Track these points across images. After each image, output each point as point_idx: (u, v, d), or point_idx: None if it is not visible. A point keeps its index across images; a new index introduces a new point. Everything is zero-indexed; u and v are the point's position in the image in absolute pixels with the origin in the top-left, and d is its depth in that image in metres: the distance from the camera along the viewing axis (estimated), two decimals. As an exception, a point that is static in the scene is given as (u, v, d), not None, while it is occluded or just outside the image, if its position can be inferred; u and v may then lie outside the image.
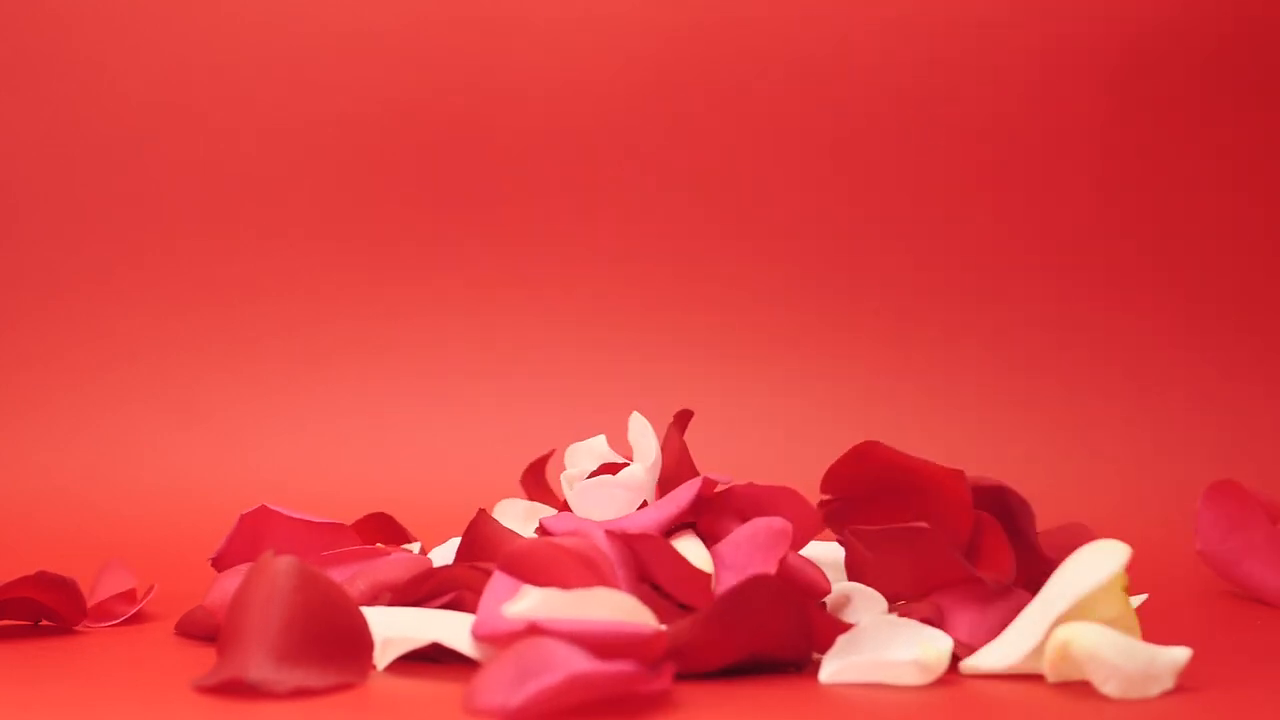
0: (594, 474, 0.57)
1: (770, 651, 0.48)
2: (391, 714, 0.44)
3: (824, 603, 0.53)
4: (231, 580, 0.53)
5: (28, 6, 0.91)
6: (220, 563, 0.56)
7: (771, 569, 0.49)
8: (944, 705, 0.46)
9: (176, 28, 0.91)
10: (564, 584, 0.48)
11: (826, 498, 0.54)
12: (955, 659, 0.49)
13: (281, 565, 0.46)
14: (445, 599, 0.51)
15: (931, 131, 0.89)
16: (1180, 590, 0.66)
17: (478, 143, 0.91)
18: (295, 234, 0.91)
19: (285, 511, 0.56)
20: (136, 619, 0.58)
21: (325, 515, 0.58)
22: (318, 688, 0.45)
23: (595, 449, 0.59)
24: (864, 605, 0.52)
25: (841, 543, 0.53)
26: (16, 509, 0.82)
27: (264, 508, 0.56)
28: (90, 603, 0.56)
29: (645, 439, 0.56)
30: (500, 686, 0.43)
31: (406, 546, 0.61)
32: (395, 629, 0.48)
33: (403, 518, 0.63)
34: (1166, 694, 0.46)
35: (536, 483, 0.66)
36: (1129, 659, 0.45)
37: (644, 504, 0.55)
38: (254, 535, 0.56)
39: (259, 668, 0.45)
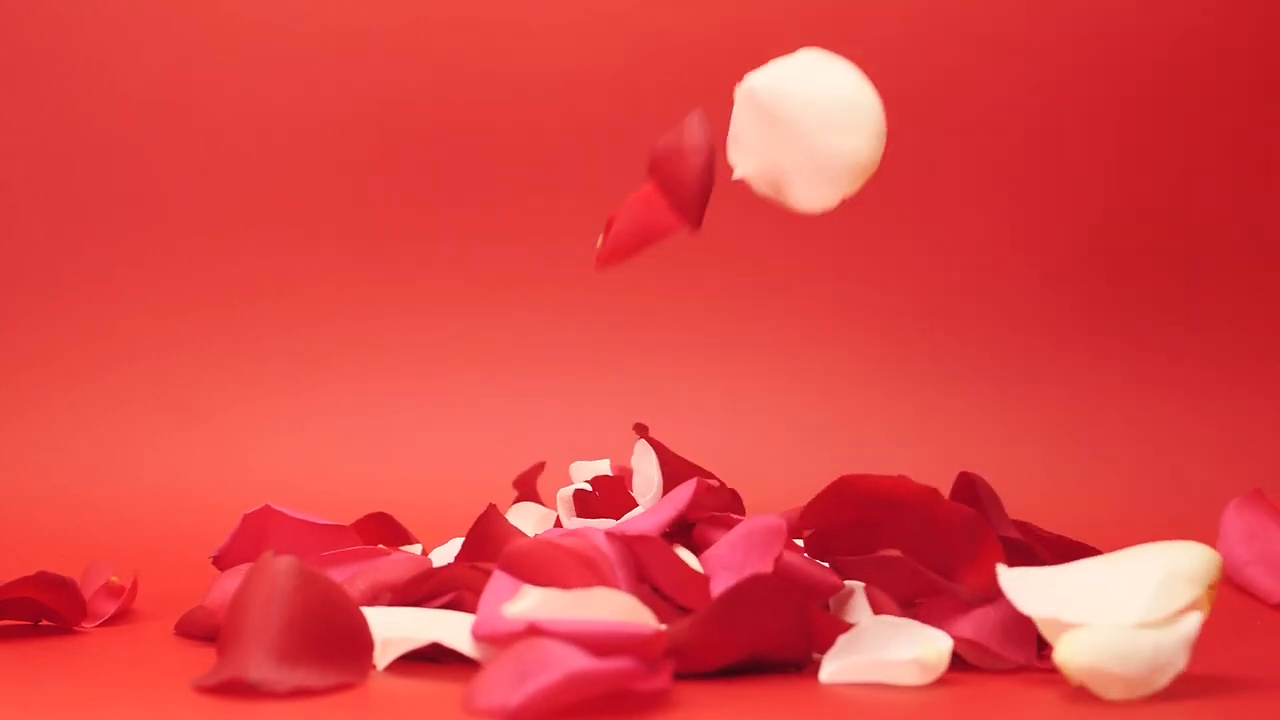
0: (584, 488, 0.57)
1: (770, 651, 0.48)
2: (391, 714, 0.44)
3: (826, 603, 0.53)
4: (231, 580, 0.53)
5: (28, 6, 0.91)
6: (222, 562, 0.56)
7: (768, 568, 0.49)
8: (944, 705, 0.46)
9: (176, 28, 0.91)
10: (564, 584, 0.48)
11: (809, 532, 0.54)
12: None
13: (281, 565, 0.46)
14: (445, 599, 0.51)
15: (931, 132, 0.89)
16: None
17: (478, 142, 0.91)
18: (295, 234, 0.91)
19: (288, 512, 0.56)
20: (134, 618, 0.58)
21: (325, 515, 0.58)
22: (318, 688, 0.45)
23: (599, 470, 0.59)
24: (864, 605, 0.52)
25: None
26: (16, 509, 0.82)
27: (267, 507, 0.56)
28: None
29: (647, 464, 0.56)
30: (500, 686, 0.43)
31: (407, 547, 0.61)
32: (395, 629, 0.48)
33: (403, 518, 0.63)
34: (1167, 696, 0.46)
35: (528, 495, 0.66)
36: (1127, 662, 0.45)
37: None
38: (256, 535, 0.56)
39: (259, 668, 0.45)
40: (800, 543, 0.53)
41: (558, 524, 0.60)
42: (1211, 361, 0.86)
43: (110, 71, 0.91)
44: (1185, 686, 0.46)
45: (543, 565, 0.48)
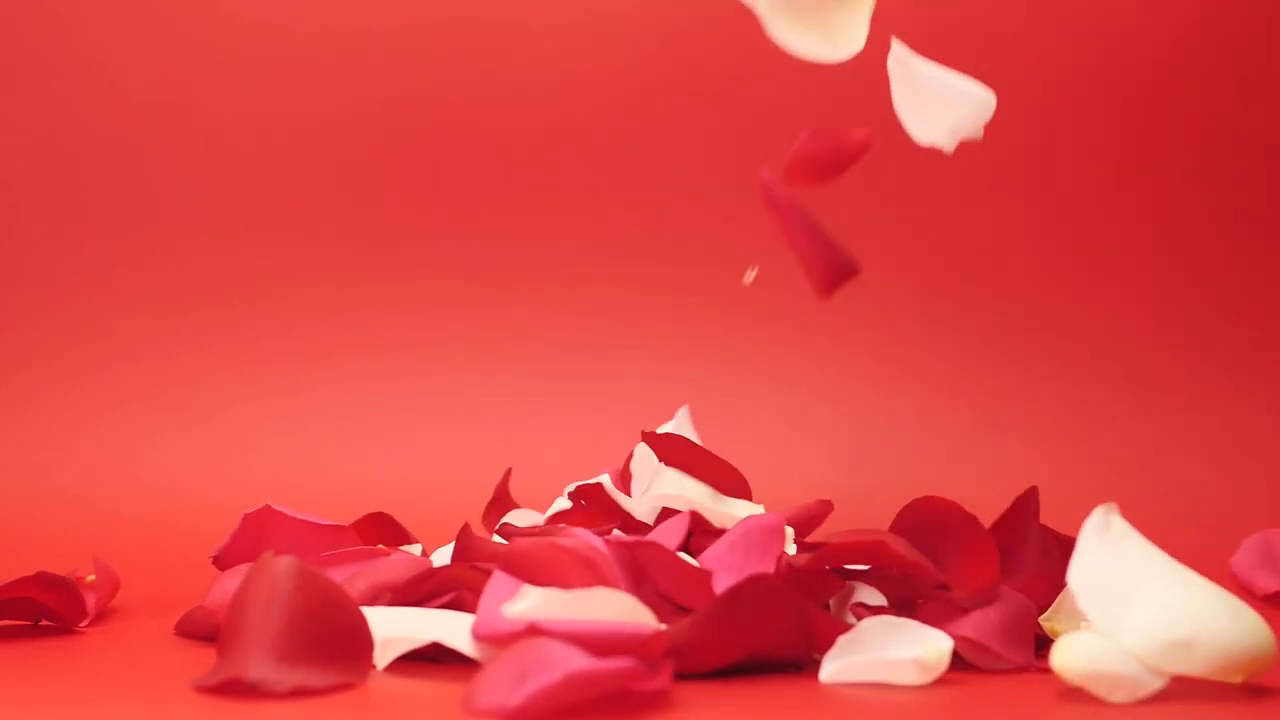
0: (571, 494, 0.57)
1: (770, 651, 0.48)
2: (391, 714, 0.44)
3: (826, 603, 0.53)
4: (231, 580, 0.53)
5: (28, 6, 0.91)
6: (222, 562, 0.56)
7: (769, 568, 0.49)
8: (944, 705, 0.46)
9: (176, 28, 0.91)
10: (564, 584, 0.48)
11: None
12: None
13: (281, 565, 0.46)
14: (445, 599, 0.51)
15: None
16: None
17: (478, 142, 0.91)
18: (295, 234, 0.91)
19: (288, 512, 0.56)
20: (134, 618, 0.58)
21: (325, 515, 0.58)
22: (318, 688, 0.45)
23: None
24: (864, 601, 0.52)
25: None
26: (16, 509, 0.82)
27: (267, 507, 0.56)
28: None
29: (647, 470, 0.56)
30: (500, 686, 0.43)
31: (407, 547, 0.61)
32: (395, 629, 0.48)
33: (403, 518, 0.63)
34: (1167, 696, 0.46)
35: (505, 503, 0.66)
36: (1125, 664, 0.45)
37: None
38: (257, 535, 0.56)
39: (259, 668, 0.45)
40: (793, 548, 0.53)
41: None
42: (1212, 360, 0.86)
43: (110, 71, 0.91)
44: (1185, 686, 0.46)
45: (543, 565, 0.48)
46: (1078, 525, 0.59)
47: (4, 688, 0.46)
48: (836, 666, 0.48)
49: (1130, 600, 0.45)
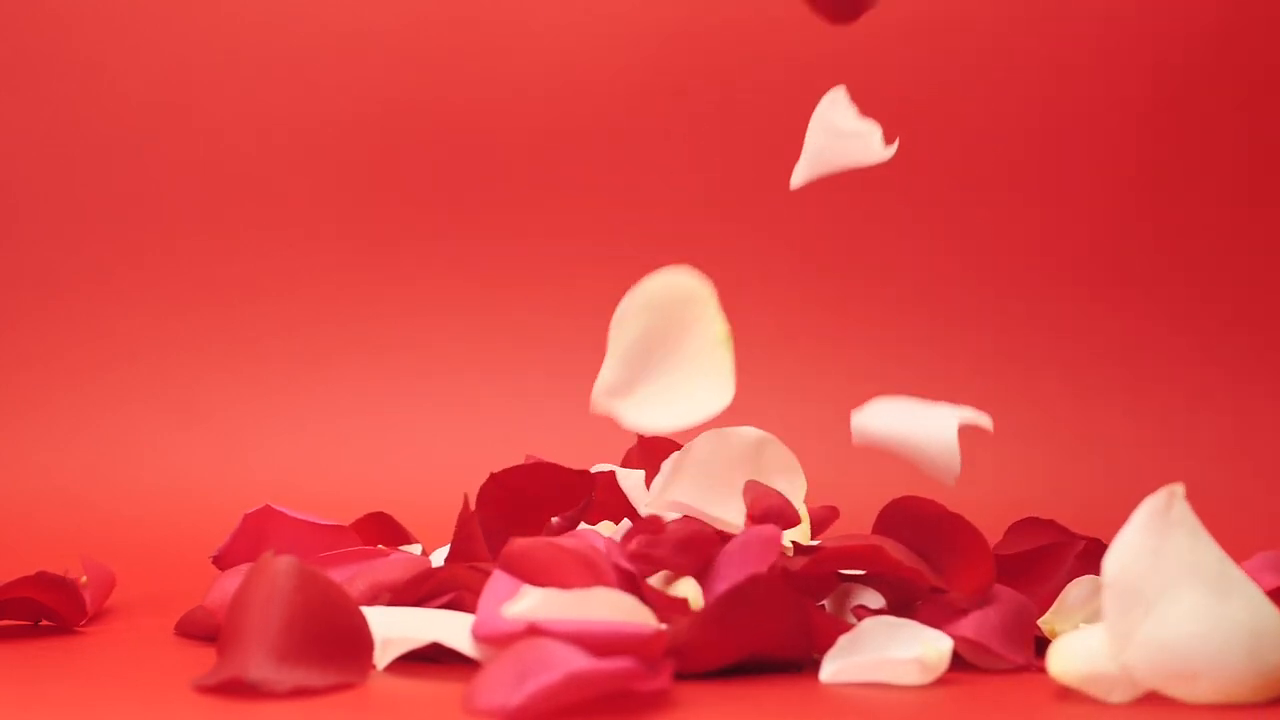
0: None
1: (770, 651, 0.48)
2: (391, 714, 0.44)
3: (824, 604, 0.53)
4: (231, 580, 0.53)
5: (28, 6, 0.91)
6: (222, 562, 0.56)
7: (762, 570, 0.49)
8: (944, 705, 0.46)
9: (176, 28, 0.91)
10: (563, 584, 0.48)
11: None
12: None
13: (281, 565, 0.46)
14: (445, 599, 0.51)
15: (934, 132, 0.89)
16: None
17: (478, 143, 0.91)
18: (295, 234, 0.91)
19: (288, 512, 0.56)
20: (134, 618, 0.58)
21: (325, 515, 0.58)
22: (318, 688, 0.45)
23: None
24: (863, 603, 0.52)
25: None
26: (16, 509, 0.82)
27: (268, 507, 0.56)
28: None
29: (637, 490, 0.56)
30: (500, 686, 0.43)
31: (407, 547, 0.61)
32: (395, 629, 0.48)
33: (403, 518, 0.63)
34: (1168, 697, 0.46)
35: None
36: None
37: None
38: (257, 535, 0.56)
39: (259, 667, 0.45)
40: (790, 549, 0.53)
41: None
42: (1213, 360, 0.86)
43: (110, 71, 0.91)
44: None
45: (542, 565, 0.48)
46: (1078, 525, 0.59)
47: (4, 688, 0.46)
48: (837, 666, 0.48)
49: (1154, 607, 0.44)
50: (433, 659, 0.48)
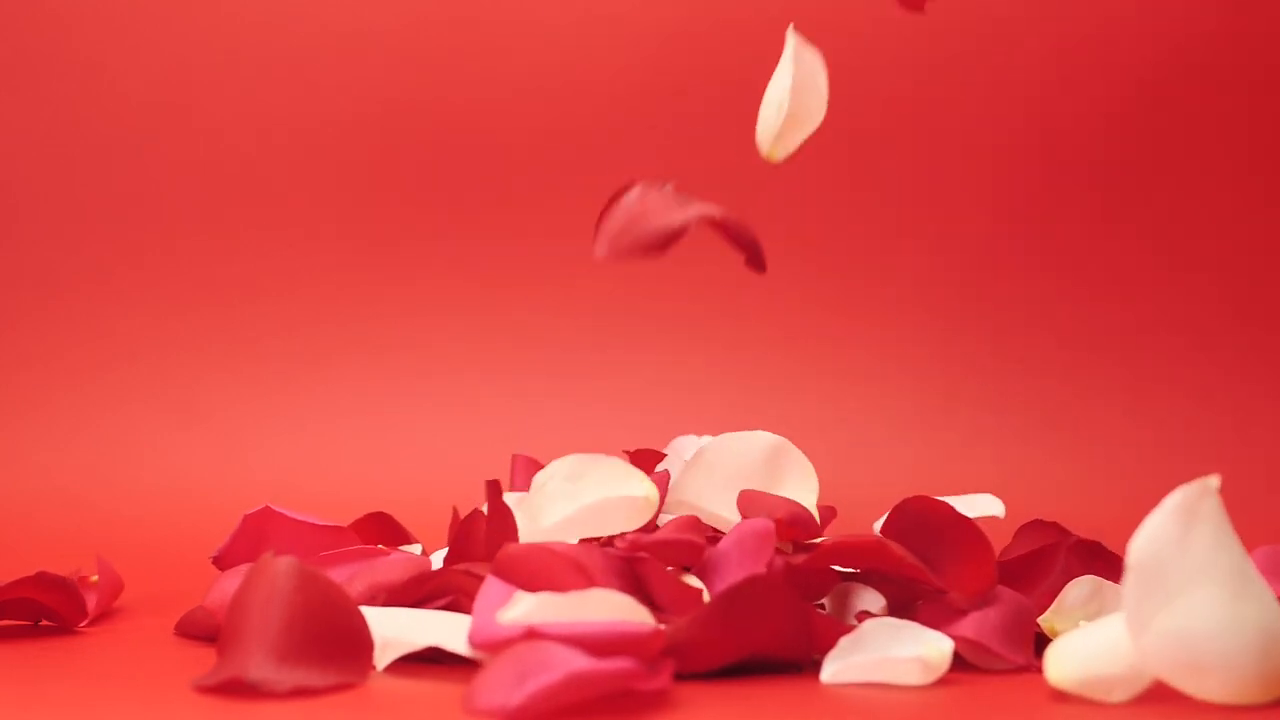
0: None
1: (770, 651, 0.48)
2: (391, 714, 0.44)
3: (823, 604, 0.53)
4: (231, 580, 0.53)
5: (28, 6, 0.91)
6: (222, 562, 0.56)
7: (760, 569, 0.49)
8: (944, 705, 0.46)
9: (176, 28, 0.91)
10: (558, 587, 0.48)
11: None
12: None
13: (281, 565, 0.46)
14: (445, 600, 0.51)
15: (935, 132, 0.89)
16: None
17: (478, 143, 0.91)
18: (295, 234, 0.91)
19: (288, 513, 0.56)
20: (134, 618, 0.58)
21: (325, 515, 0.58)
22: (318, 688, 0.45)
23: None
24: (864, 605, 0.52)
25: None
26: (16, 509, 0.82)
27: (267, 508, 0.56)
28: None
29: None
30: (500, 686, 0.43)
31: (407, 547, 0.61)
32: (395, 631, 0.48)
33: (402, 518, 0.63)
34: (1167, 696, 0.46)
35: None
36: (1117, 661, 0.45)
37: None
38: (257, 535, 0.56)
39: (259, 668, 0.45)
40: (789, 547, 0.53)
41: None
42: (1213, 360, 0.86)
43: (110, 71, 0.91)
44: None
45: (536, 569, 0.48)
46: (1078, 525, 0.59)
47: (4, 688, 0.46)
48: (838, 667, 0.48)
49: (1172, 599, 0.44)
50: (433, 659, 0.48)
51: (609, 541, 0.52)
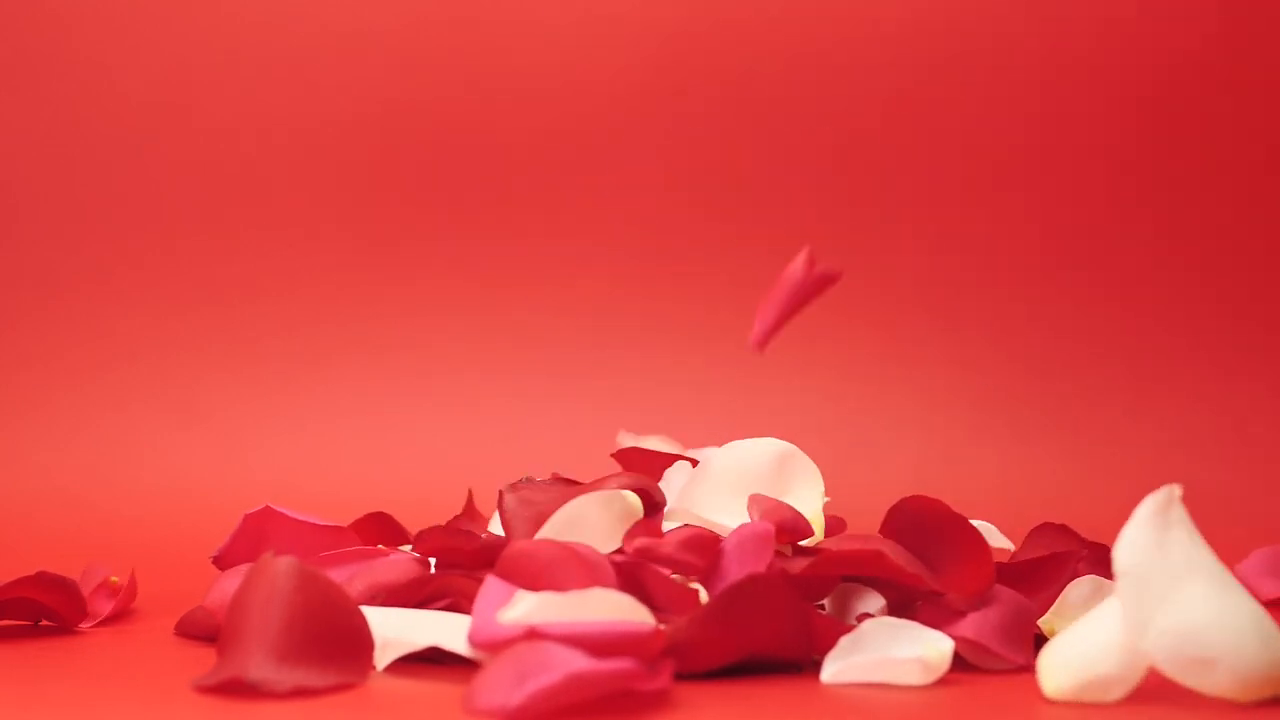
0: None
1: (770, 651, 0.48)
2: (391, 714, 0.44)
3: (823, 605, 0.53)
4: (231, 580, 0.53)
5: (28, 6, 0.91)
6: (222, 562, 0.56)
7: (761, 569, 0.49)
8: (944, 705, 0.46)
9: (176, 28, 0.91)
10: (563, 584, 0.48)
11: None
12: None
13: (281, 565, 0.46)
14: (445, 600, 0.51)
15: (935, 133, 0.89)
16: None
17: (478, 143, 0.91)
18: (295, 234, 0.91)
19: (288, 513, 0.56)
20: (133, 618, 0.58)
21: (325, 515, 0.58)
22: (318, 688, 0.45)
23: None
24: (864, 607, 0.52)
25: None
26: (16, 509, 0.82)
27: (268, 508, 0.56)
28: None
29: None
30: (500, 687, 0.43)
31: (407, 547, 0.61)
32: (395, 631, 0.48)
33: (403, 518, 0.63)
34: (1167, 695, 0.46)
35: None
36: (1111, 659, 0.45)
37: None
38: (257, 535, 0.56)
39: (259, 668, 0.45)
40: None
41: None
42: (1213, 360, 0.86)
43: (110, 71, 0.91)
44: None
45: (543, 565, 0.48)
46: (1078, 525, 0.59)
47: (4, 688, 0.46)
48: (838, 667, 0.48)
49: (1166, 599, 0.44)
50: (433, 659, 0.48)
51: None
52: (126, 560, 0.62)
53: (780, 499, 0.53)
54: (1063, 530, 0.58)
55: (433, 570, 0.52)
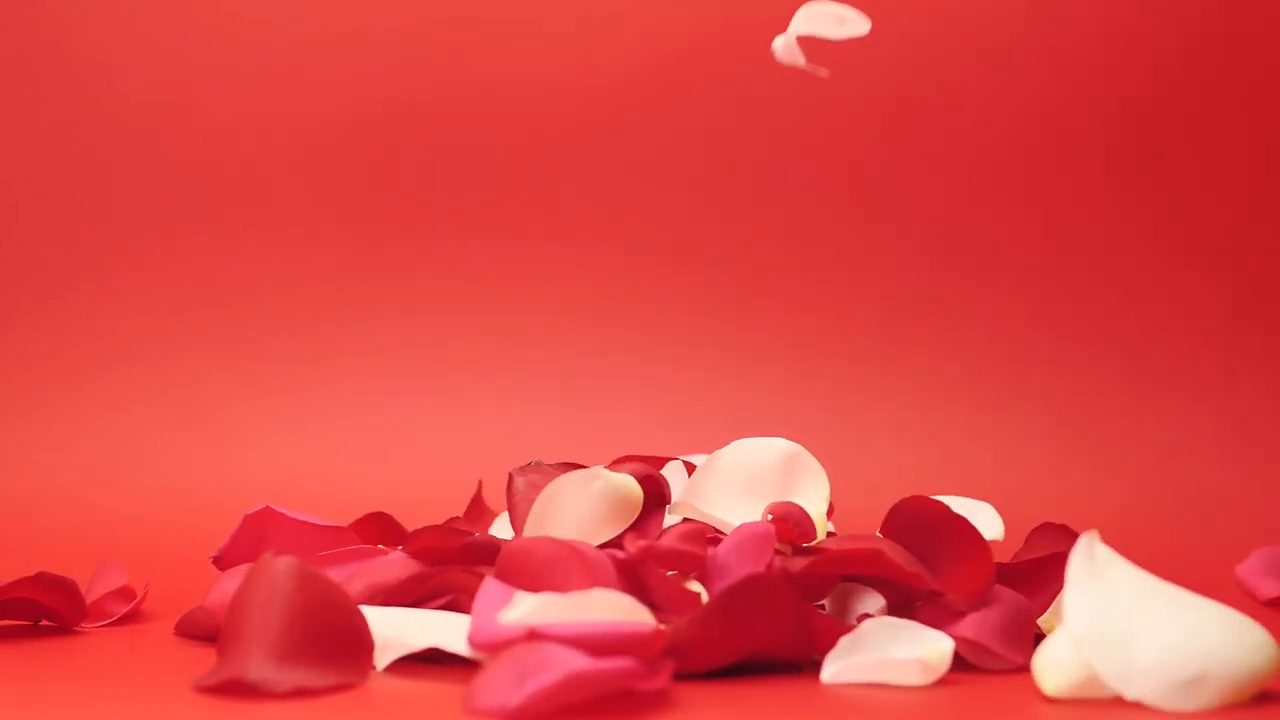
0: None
1: (770, 651, 0.48)
2: (391, 714, 0.44)
3: (823, 605, 0.53)
4: (231, 580, 0.53)
5: (28, 6, 0.91)
6: (222, 562, 0.56)
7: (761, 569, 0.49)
8: (944, 705, 0.46)
9: (176, 28, 0.91)
10: (563, 582, 0.48)
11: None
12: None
13: (281, 565, 0.46)
14: (444, 600, 0.51)
15: (935, 132, 0.89)
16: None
17: (478, 142, 0.91)
18: (295, 234, 0.91)
19: (288, 513, 0.56)
20: (135, 618, 0.58)
21: (325, 515, 0.58)
22: (318, 688, 0.45)
23: None
24: (864, 607, 0.52)
25: None
26: (16, 509, 0.82)
27: (268, 508, 0.56)
28: (86, 601, 0.56)
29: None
30: (500, 686, 0.43)
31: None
32: (395, 631, 0.48)
33: (403, 518, 0.63)
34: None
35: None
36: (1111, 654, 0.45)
37: None
38: (257, 535, 0.56)
39: (259, 668, 0.45)
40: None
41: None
42: (1214, 360, 0.86)
43: (110, 71, 0.91)
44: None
45: (542, 563, 0.48)
46: (1079, 525, 0.59)
47: (4, 688, 0.46)
48: (838, 667, 0.48)
49: (1132, 640, 0.45)
50: (433, 659, 0.48)
51: (617, 544, 0.52)
52: (126, 560, 0.62)
53: (785, 499, 0.53)
54: (1063, 530, 0.58)
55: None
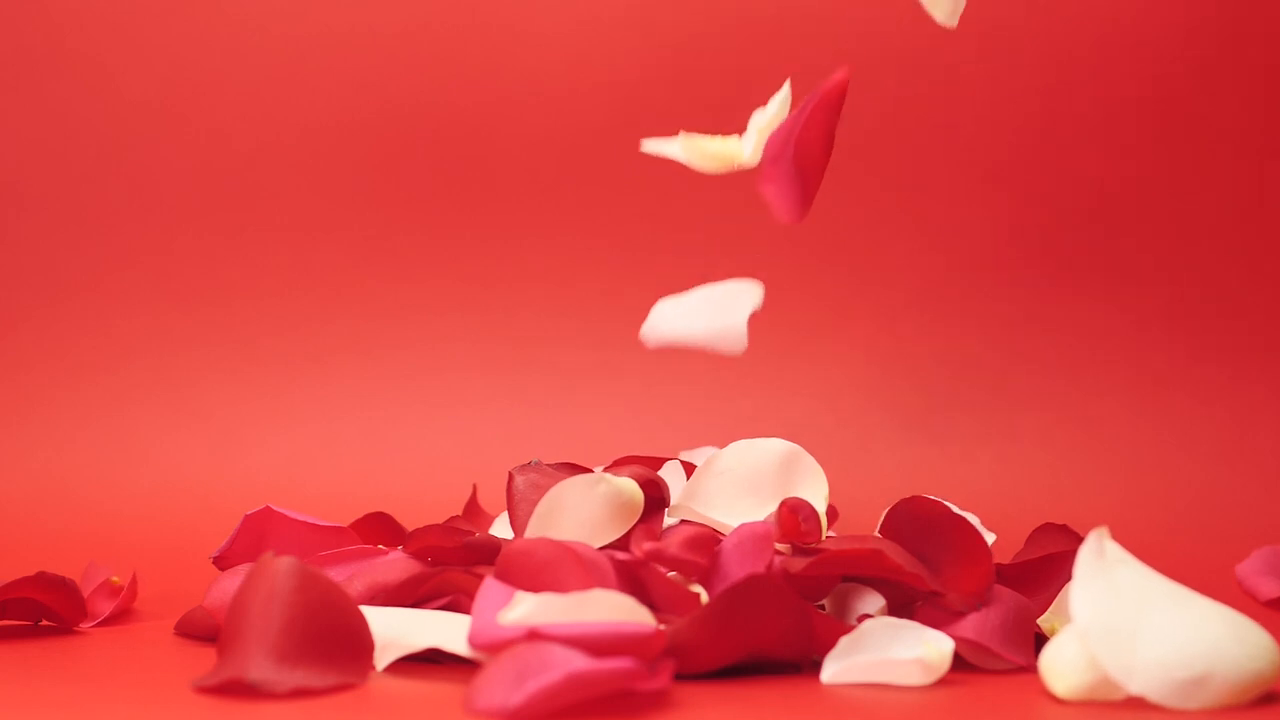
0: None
1: (770, 651, 0.48)
2: (391, 714, 0.44)
3: (823, 605, 0.53)
4: (231, 580, 0.53)
5: (28, 6, 0.91)
6: (223, 562, 0.56)
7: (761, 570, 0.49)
8: (944, 705, 0.46)
9: (176, 28, 0.91)
10: (563, 583, 0.48)
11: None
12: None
13: (282, 566, 0.46)
14: (444, 600, 0.51)
15: (935, 132, 0.89)
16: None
17: (478, 142, 0.91)
18: (295, 234, 0.91)
19: (288, 513, 0.56)
20: (136, 619, 0.58)
21: (325, 515, 0.58)
22: (318, 688, 0.45)
23: None
24: (864, 607, 0.52)
25: None
26: (16, 509, 0.82)
27: (268, 508, 0.56)
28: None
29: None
30: (500, 687, 0.43)
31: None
32: (395, 632, 0.48)
33: (403, 518, 0.63)
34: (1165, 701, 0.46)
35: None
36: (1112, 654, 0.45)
37: None
38: (257, 536, 0.56)
39: (259, 668, 0.45)
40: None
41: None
42: (1216, 359, 0.86)
43: (110, 71, 0.91)
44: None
45: (542, 563, 0.48)
46: (1079, 525, 0.59)
47: (4, 688, 0.46)
48: (838, 667, 0.48)
49: (1137, 636, 0.45)
50: (432, 659, 0.48)
51: (616, 546, 0.52)
52: (126, 560, 0.62)
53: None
54: (1063, 530, 0.58)
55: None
